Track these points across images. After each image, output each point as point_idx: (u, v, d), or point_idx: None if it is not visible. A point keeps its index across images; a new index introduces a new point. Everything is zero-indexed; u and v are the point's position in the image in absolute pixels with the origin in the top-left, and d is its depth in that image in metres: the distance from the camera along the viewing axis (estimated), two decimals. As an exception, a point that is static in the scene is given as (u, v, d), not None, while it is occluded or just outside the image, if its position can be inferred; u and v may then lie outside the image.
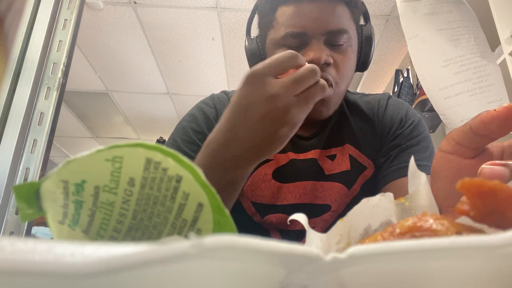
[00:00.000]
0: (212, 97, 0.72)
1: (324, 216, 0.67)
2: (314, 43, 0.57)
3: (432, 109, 1.42)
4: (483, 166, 0.25)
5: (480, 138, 0.29)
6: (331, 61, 0.57)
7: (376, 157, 0.66)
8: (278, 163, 0.66)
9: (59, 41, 0.74)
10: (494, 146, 0.31)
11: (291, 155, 0.66)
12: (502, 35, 1.19)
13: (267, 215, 0.67)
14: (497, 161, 0.25)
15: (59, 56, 0.74)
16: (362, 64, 0.67)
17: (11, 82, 0.68)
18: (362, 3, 0.66)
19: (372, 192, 0.65)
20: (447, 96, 1.15)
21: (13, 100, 0.68)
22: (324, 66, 0.56)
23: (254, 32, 0.69)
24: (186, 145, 0.62)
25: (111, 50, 2.56)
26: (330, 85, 0.57)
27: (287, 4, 0.59)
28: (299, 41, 0.58)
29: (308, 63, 0.56)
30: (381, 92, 0.90)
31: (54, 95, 0.71)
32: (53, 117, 0.70)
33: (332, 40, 0.58)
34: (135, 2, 2.12)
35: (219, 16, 2.21)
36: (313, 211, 0.66)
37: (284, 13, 0.59)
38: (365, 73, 2.64)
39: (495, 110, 0.27)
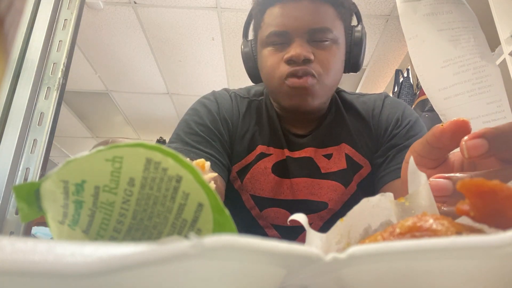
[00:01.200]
0: (213, 92, 0.73)
1: (321, 213, 0.68)
2: (296, 41, 0.59)
3: (432, 109, 1.42)
4: (430, 179, 0.27)
5: (436, 150, 0.30)
6: (311, 57, 0.58)
7: (372, 156, 0.67)
8: (277, 158, 0.67)
9: (59, 41, 0.74)
10: (456, 155, 0.32)
11: (286, 152, 0.67)
12: (502, 35, 1.19)
13: (265, 209, 0.68)
14: (442, 174, 0.27)
15: (59, 56, 0.74)
16: (353, 65, 0.67)
17: (11, 82, 0.68)
18: (353, 3, 0.67)
19: (369, 191, 0.66)
20: (446, 96, 1.15)
21: (13, 100, 0.68)
22: (306, 62, 0.58)
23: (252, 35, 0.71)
24: (188, 137, 0.63)
25: (111, 50, 2.56)
26: (313, 75, 0.59)
27: (274, 5, 0.62)
28: (282, 39, 0.60)
29: (289, 60, 0.58)
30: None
31: (54, 95, 0.71)
32: (53, 117, 0.70)
33: (315, 38, 0.60)
34: (135, 2, 2.12)
35: (219, 16, 2.21)
36: (310, 208, 0.67)
37: (271, 14, 0.62)
38: (365, 73, 2.64)
39: (442, 125, 0.28)
